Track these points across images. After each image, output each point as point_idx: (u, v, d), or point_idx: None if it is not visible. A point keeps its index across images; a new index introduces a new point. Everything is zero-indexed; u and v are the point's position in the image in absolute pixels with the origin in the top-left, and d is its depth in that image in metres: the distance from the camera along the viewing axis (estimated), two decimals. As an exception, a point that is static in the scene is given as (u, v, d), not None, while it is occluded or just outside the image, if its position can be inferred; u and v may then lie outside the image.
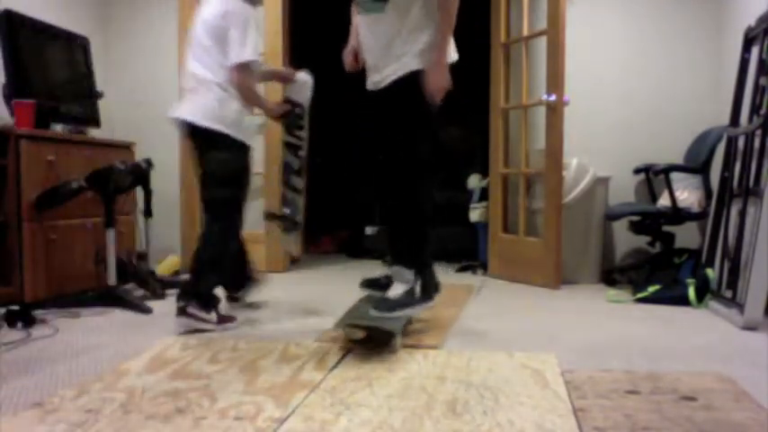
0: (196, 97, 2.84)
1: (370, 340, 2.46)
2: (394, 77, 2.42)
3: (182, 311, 2.77)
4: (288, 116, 3.12)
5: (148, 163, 3.74)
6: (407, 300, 2.47)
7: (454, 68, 2.49)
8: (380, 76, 2.47)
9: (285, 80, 3.24)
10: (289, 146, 3.17)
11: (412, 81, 2.40)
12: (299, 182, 3.18)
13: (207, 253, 2.86)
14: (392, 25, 2.41)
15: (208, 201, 2.93)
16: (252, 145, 2.98)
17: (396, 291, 2.49)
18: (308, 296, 3.61)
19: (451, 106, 2.70)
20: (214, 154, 2.85)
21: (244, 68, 2.77)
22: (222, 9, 2.80)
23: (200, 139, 2.87)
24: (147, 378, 2.06)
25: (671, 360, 2.35)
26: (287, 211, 3.17)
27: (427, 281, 2.53)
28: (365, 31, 2.51)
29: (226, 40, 2.76)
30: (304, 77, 3.16)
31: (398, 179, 2.48)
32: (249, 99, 2.87)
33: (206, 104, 2.80)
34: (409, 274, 2.50)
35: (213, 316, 2.82)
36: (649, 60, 4.35)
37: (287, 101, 3.15)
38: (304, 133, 3.17)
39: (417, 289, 2.49)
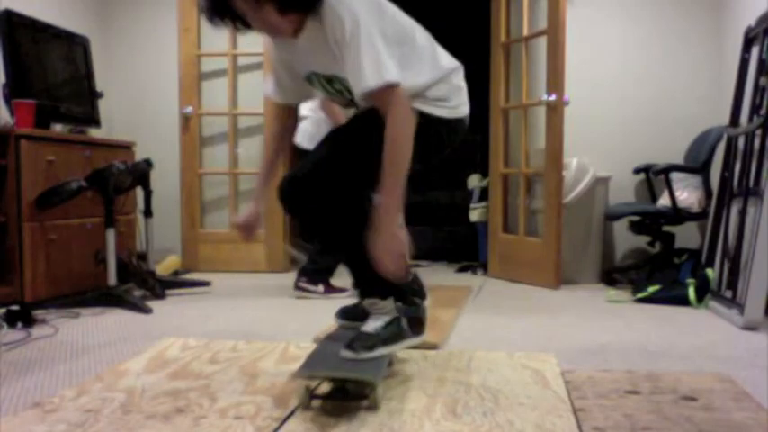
0: (301, 123, 3.46)
1: (340, 394, 1.85)
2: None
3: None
4: None
5: (148, 163, 3.74)
6: (391, 333, 1.90)
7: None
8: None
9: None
10: None
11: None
12: None
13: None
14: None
15: None
16: None
17: (376, 323, 1.91)
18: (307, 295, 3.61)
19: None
20: None
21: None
22: None
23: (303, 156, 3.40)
24: (147, 378, 2.06)
25: (671, 360, 2.35)
26: None
27: (414, 309, 1.99)
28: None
29: None
30: None
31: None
32: (334, 119, 3.34)
33: (305, 128, 3.47)
34: (388, 304, 1.92)
35: (320, 287, 3.58)
36: (649, 60, 4.35)
37: None
38: None
39: (404, 320, 1.93)
